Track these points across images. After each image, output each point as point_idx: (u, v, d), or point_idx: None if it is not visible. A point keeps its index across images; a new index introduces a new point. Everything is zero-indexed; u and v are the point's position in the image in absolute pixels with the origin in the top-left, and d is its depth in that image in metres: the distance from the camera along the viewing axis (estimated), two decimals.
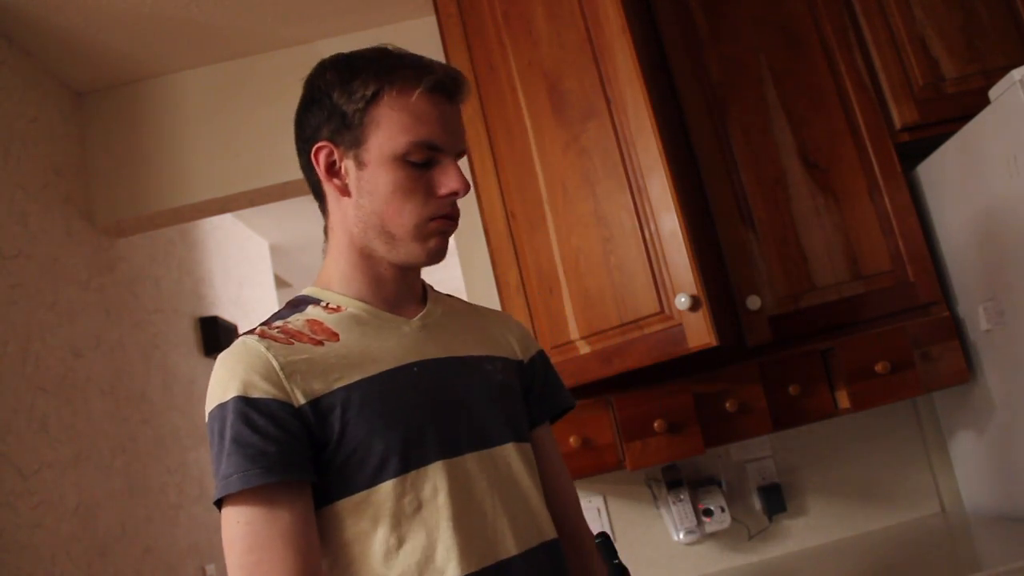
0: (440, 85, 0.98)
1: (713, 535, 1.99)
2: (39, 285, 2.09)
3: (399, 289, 1.04)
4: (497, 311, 1.21)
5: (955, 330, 1.74)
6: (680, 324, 1.53)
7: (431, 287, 1.13)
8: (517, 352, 1.14)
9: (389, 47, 1.01)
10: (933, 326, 1.74)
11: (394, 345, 0.99)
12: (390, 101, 0.97)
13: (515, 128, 1.78)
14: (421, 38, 2.32)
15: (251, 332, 0.98)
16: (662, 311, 1.56)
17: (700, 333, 1.50)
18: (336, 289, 1.03)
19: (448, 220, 1.00)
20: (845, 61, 1.86)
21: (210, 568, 2.77)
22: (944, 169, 1.76)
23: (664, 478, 1.99)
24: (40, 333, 2.04)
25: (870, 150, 1.82)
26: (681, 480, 1.99)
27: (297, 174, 2.65)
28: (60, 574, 1.93)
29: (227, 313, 3.44)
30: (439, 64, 1.00)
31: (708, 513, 1.94)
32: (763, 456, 2.02)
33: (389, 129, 0.97)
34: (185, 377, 2.91)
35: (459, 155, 1.02)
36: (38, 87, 2.27)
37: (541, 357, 1.18)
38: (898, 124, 1.83)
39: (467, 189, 0.99)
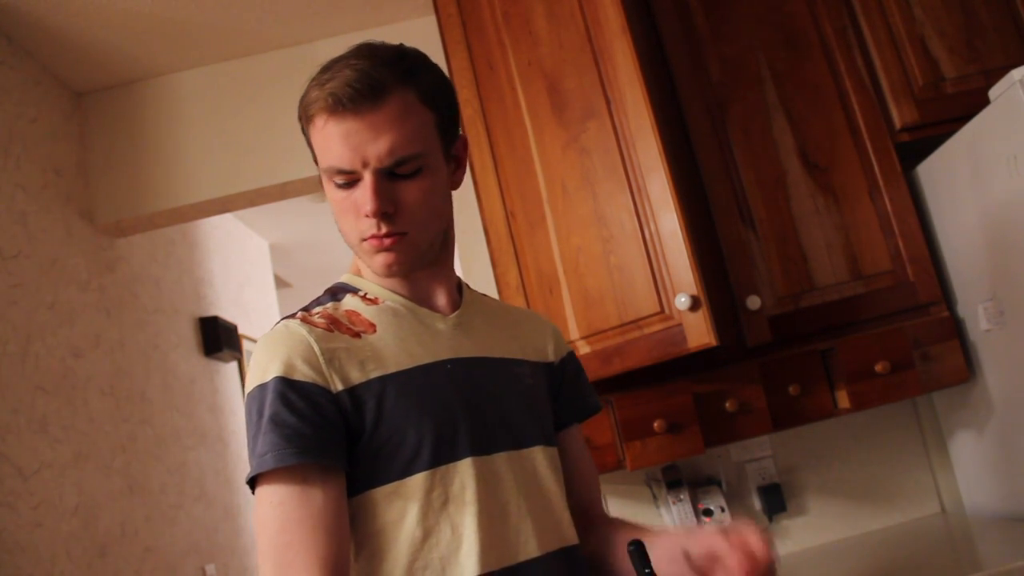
0: (330, 106, 0.90)
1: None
2: (39, 285, 2.09)
3: (428, 282, 1.04)
4: (530, 311, 1.20)
5: (955, 330, 1.74)
6: (680, 324, 1.53)
7: (467, 285, 1.13)
8: (549, 354, 1.14)
9: (338, 56, 0.95)
10: (933, 326, 1.74)
11: (429, 341, 1.00)
12: (310, 129, 0.95)
13: (515, 128, 1.78)
14: (421, 38, 2.32)
15: (292, 317, 0.98)
16: (662, 311, 1.56)
17: (700, 333, 1.50)
18: (369, 277, 1.04)
19: (376, 240, 0.94)
20: (845, 61, 1.86)
21: (210, 568, 2.77)
22: (944, 169, 1.76)
23: (664, 478, 1.99)
24: (40, 333, 2.05)
25: (870, 150, 1.82)
26: (681, 480, 1.99)
27: (297, 174, 2.66)
28: (60, 574, 1.93)
29: (227, 313, 3.44)
30: (341, 74, 0.91)
31: (708, 513, 1.94)
32: (763, 456, 2.02)
33: (317, 155, 0.97)
34: (185, 377, 2.91)
35: (393, 164, 0.92)
36: (38, 87, 2.27)
37: (572, 359, 1.17)
38: (898, 124, 1.83)
39: (377, 209, 0.91)
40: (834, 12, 1.88)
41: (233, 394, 3.36)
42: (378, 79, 0.91)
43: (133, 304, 2.61)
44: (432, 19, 2.24)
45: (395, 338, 0.98)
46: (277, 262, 4.48)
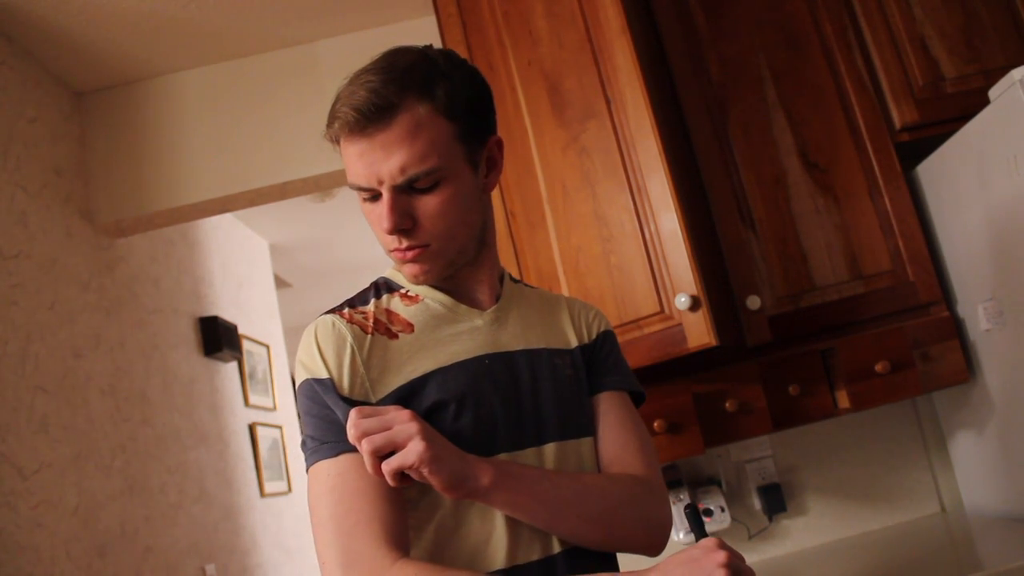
0: (343, 128, 0.93)
1: (713, 535, 1.99)
2: (39, 285, 2.09)
3: (469, 279, 1.05)
4: (573, 298, 1.18)
5: (955, 330, 1.74)
6: (680, 324, 1.53)
7: (509, 276, 1.13)
8: (589, 335, 1.12)
9: (362, 68, 0.96)
10: (933, 326, 1.74)
11: (467, 337, 1.01)
12: (338, 148, 0.97)
13: (515, 128, 1.78)
14: (421, 38, 2.32)
15: (339, 312, 1.00)
16: (662, 311, 1.56)
17: (700, 333, 1.50)
18: None
19: (400, 252, 0.98)
20: (845, 61, 1.86)
21: (210, 568, 2.77)
22: (944, 169, 1.76)
23: (664, 478, 1.99)
24: (40, 333, 2.05)
25: (870, 150, 1.82)
26: (681, 480, 1.99)
27: (297, 174, 2.65)
28: (60, 574, 1.93)
29: (227, 313, 3.44)
30: (355, 94, 0.92)
31: (708, 513, 1.94)
32: (763, 456, 2.02)
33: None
34: (185, 377, 2.91)
35: (406, 182, 0.93)
36: (38, 87, 2.27)
37: (608, 338, 1.14)
38: (898, 124, 1.83)
39: (392, 227, 0.94)
40: (834, 12, 1.88)
41: (233, 394, 3.36)
42: (387, 97, 0.91)
43: (133, 304, 2.61)
44: (432, 19, 2.24)
45: (432, 337, 0.99)
46: (277, 262, 4.48)
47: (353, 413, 0.89)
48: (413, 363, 0.97)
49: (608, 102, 1.62)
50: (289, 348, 4.35)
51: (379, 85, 0.92)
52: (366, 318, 1.00)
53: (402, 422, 0.88)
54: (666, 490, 1.08)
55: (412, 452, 0.86)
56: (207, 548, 2.80)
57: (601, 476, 1.03)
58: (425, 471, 0.86)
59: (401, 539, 0.90)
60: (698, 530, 0.94)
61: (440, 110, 0.94)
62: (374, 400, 0.94)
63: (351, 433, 0.88)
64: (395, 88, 0.92)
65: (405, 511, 0.92)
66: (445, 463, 0.88)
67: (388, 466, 0.87)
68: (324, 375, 0.95)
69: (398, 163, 0.92)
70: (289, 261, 4.60)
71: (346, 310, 1.01)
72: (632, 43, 1.58)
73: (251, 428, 3.45)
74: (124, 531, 2.27)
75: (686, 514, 0.96)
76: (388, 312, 1.01)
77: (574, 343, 1.10)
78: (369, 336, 0.98)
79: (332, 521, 0.89)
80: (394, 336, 0.99)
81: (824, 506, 2.01)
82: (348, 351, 0.96)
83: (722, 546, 0.86)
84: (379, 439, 0.87)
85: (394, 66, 0.94)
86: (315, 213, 3.94)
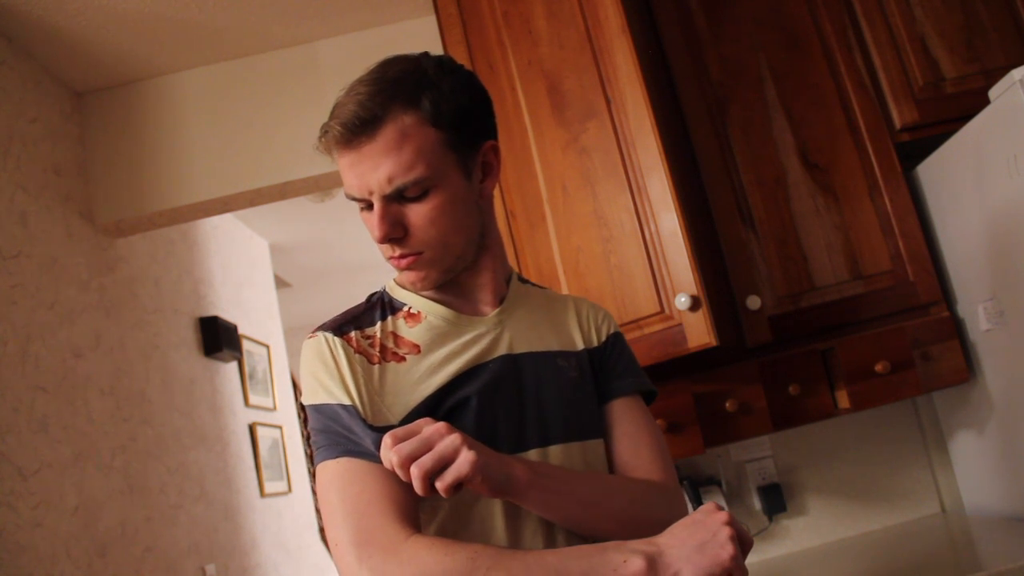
0: (332, 141, 0.95)
1: None
2: (39, 285, 2.09)
3: (471, 284, 1.06)
4: (580, 299, 1.18)
5: (955, 330, 1.74)
6: (680, 324, 1.53)
7: (518, 276, 1.13)
8: (596, 338, 1.13)
9: (358, 78, 0.98)
10: (933, 326, 1.74)
11: (471, 347, 1.02)
12: (332, 157, 0.98)
13: (515, 128, 1.78)
14: (421, 38, 2.33)
15: (346, 337, 1.00)
16: (662, 311, 1.56)
17: (700, 333, 1.50)
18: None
19: (395, 260, 0.99)
20: (845, 61, 1.86)
21: (210, 568, 2.77)
22: (944, 169, 1.76)
23: None
24: (40, 333, 2.05)
25: (870, 150, 1.82)
26: (681, 480, 1.99)
27: (297, 174, 2.65)
28: (60, 574, 1.93)
29: (227, 313, 3.44)
30: (344, 107, 0.94)
31: None
32: (763, 456, 2.02)
33: None
34: (185, 377, 2.91)
35: (394, 192, 0.94)
36: (38, 87, 2.27)
37: (617, 340, 1.15)
38: (898, 124, 1.83)
39: (382, 237, 0.95)
40: (834, 12, 1.88)
41: (233, 394, 3.36)
42: (372, 110, 0.93)
43: (133, 304, 2.61)
44: (432, 19, 2.24)
45: (439, 355, 1.00)
46: (277, 262, 4.48)
47: (387, 439, 0.86)
48: (424, 382, 0.98)
49: (608, 102, 1.62)
50: (289, 348, 4.35)
51: (365, 98, 0.93)
52: (372, 344, 1.00)
53: (442, 436, 0.86)
54: (682, 492, 1.09)
55: (465, 463, 0.84)
56: (207, 548, 2.80)
57: (621, 477, 1.04)
58: (479, 479, 0.85)
59: (413, 516, 0.90)
60: (695, 501, 0.96)
61: (427, 119, 0.95)
62: (395, 423, 0.94)
63: (391, 459, 0.85)
64: (381, 100, 0.93)
65: (414, 493, 0.92)
66: (493, 467, 0.88)
67: (443, 482, 0.84)
68: (347, 401, 0.95)
69: (385, 173, 0.93)
70: (289, 261, 4.60)
71: (352, 334, 1.01)
72: (632, 43, 1.58)
73: (251, 428, 3.45)
74: (124, 531, 2.27)
75: (683, 487, 0.98)
76: (395, 336, 1.02)
77: (580, 345, 1.10)
78: (376, 366, 0.98)
79: (343, 503, 0.89)
80: (402, 359, 0.99)
81: (824, 506, 2.01)
82: (362, 380, 0.97)
83: (721, 508, 0.87)
84: (428, 461, 0.84)
85: (383, 77, 0.95)
86: (315, 213, 3.94)
